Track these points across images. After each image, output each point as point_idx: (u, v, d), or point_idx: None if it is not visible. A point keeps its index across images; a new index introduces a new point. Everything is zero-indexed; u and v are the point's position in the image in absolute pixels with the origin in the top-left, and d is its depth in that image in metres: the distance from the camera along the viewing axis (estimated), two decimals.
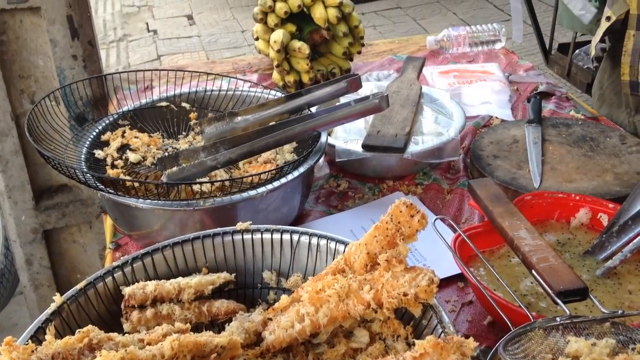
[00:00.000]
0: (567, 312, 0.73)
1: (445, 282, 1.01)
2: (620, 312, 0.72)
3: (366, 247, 0.78)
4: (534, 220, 1.03)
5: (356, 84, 1.16)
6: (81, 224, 1.78)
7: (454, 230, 1.02)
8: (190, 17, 5.24)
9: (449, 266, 1.00)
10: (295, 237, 0.85)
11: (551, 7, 2.81)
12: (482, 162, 1.25)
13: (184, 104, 1.23)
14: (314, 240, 0.85)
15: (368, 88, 1.46)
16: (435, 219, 0.90)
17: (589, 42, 2.68)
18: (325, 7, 1.57)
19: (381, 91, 1.19)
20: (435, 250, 1.03)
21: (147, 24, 5.16)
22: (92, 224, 1.76)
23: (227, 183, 1.00)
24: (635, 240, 0.93)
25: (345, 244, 0.84)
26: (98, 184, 0.92)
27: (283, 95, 1.20)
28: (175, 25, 5.08)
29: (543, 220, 1.04)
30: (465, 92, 1.58)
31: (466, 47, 1.86)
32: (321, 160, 1.27)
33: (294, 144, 1.15)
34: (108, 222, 1.11)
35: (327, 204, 1.21)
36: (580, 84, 2.58)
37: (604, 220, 1.00)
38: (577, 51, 2.63)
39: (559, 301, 0.75)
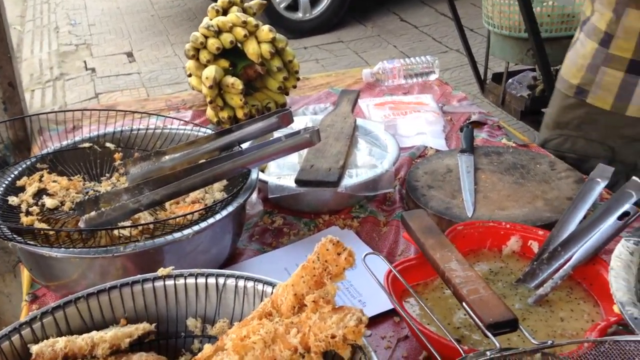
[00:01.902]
0: (497, 345, 0.71)
1: (382, 317, 0.99)
2: (549, 342, 0.71)
3: (293, 288, 0.75)
4: (466, 250, 1.03)
5: (287, 119, 1.14)
6: (5, 273, 1.68)
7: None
8: (130, 55, 5.17)
9: (385, 301, 0.98)
10: (221, 280, 0.81)
11: (485, 37, 2.91)
12: (417, 193, 1.25)
13: (108, 144, 1.19)
14: (241, 283, 0.81)
15: (303, 122, 1.45)
16: (366, 255, 0.88)
17: (522, 71, 2.78)
18: (259, 42, 1.56)
19: (313, 125, 1.17)
20: (371, 285, 1.00)
21: (85, 62, 5.06)
22: (16, 273, 1.67)
23: (151, 226, 0.95)
24: (565, 267, 0.93)
25: (273, 285, 0.80)
26: (8, 234, 0.86)
27: (213, 132, 1.17)
28: (115, 62, 5.00)
29: (476, 250, 1.04)
30: (401, 123, 1.59)
31: (401, 79, 1.89)
32: (254, 197, 1.24)
33: (224, 182, 1.12)
34: (25, 272, 1.05)
35: (261, 242, 1.18)
36: (514, 112, 2.66)
37: (535, 247, 1.01)
38: (510, 80, 2.71)
39: (489, 334, 0.73)
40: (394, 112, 1.64)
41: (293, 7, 5.24)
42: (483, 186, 1.27)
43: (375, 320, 0.98)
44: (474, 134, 1.56)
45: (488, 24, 2.54)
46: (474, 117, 1.66)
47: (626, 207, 0.95)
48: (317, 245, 0.75)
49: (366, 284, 1.03)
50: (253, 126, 1.15)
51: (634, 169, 1.45)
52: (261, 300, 0.79)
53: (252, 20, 1.57)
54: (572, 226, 0.99)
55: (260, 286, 0.81)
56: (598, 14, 1.42)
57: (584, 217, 1.02)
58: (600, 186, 1.05)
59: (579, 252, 0.93)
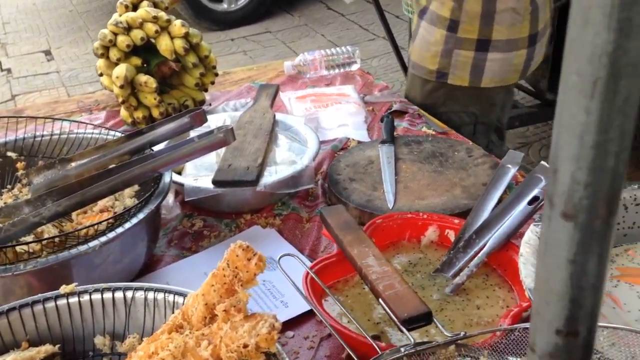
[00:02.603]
0: (412, 340, 0.71)
1: (305, 317, 0.97)
2: (462, 334, 0.72)
3: (204, 297, 0.73)
4: (386, 243, 1.03)
5: (200, 118, 1.11)
6: None
7: (312, 261, 0.99)
8: (48, 53, 4.93)
9: None
10: (129, 294, 0.78)
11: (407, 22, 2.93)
12: (339, 187, 1.24)
13: (9, 154, 1.11)
14: (151, 295, 0.78)
15: (222, 119, 1.41)
16: (281, 257, 0.86)
17: None
18: (172, 38, 1.51)
19: (227, 124, 1.14)
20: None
21: None
22: None
23: (56, 240, 0.90)
24: (479, 254, 0.95)
25: (185, 295, 0.77)
26: None
27: (122, 135, 1.12)
28: (32, 62, 4.76)
29: (395, 242, 1.04)
30: (322, 115, 1.58)
31: (323, 70, 1.87)
32: (171, 200, 1.20)
33: (136, 188, 1.07)
34: None
35: (180, 247, 1.14)
36: None
37: (451, 236, 1.02)
38: None
39: (404, 329, 0.73)
40: (316, 105, 1.62)
41: None
42: (404, 176, 1.28)
43: (298, 320, 0.96)
44: (396, 124, 1.57)
45: (408, 12, 2.56)
46: (395, 107, 1.67)
47: (536, 191, 0.97)
48: (227, 252, 0.72)
49: (289, 284, 1.02)
50: (165, 127, 1.11)
51: (495, 129, 1.75)
52: (173, 312, 0.76)
53: (163, 15, 1.51)
54: (485, 213, 1.01)
55: (171, 297, 0.78)
56: (438, 2, 1.58)
57: (498, 203, 1.04)
58: (511, 172, 1.07)
59: (492, 238, 0.95)
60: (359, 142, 1.47)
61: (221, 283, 0.72)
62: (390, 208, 1.17)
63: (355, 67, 1.91)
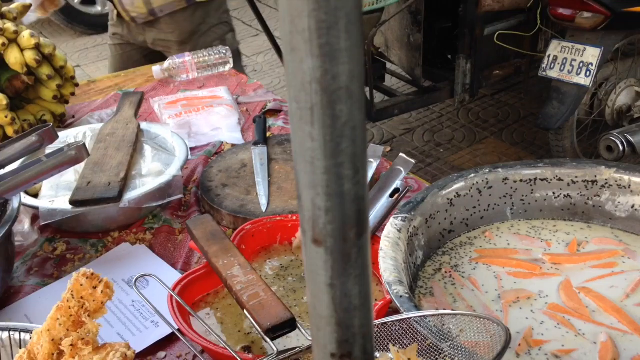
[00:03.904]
0: (275, 349, 0.70)
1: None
2: None
3: (49, 333, 0.68)
4: (258, 248, 1.02)
5: (50, 135, 1.04)
6: None
7: (180, 272, 0.96)
8: None
9: None
10: None
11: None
12: (211, 194, 1.21)
13: None
14: None
15: (82, 132, 1.34)
16: (137, 279, 0.82)
17: None
18: (22, 50, 1.40)
19: (78, 140, 1.08)
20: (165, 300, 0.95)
21: None
22: None
23: None
24: None
25: (31, 332, 0.72)
26: None
27: None
28: None
29: (267, 247, 1.03)
30: (194, 120, 1.54)
31: (194, 72, 1.82)
32: (26, 225, 1.12)
33: None
34: None
35: (41, 275, 1.06)
36: None
37: None
38: None
39: (267, 339, 0.72)
40: (187, 110, 1.58)
41: (90, 0, 4.88)
42: (277, 177, 1.27)
43: (171, 339, 0.93)
44: (271, 123, 1.56)
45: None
46: (269, 105, 1.66)
47: (396, 184, 0.99)
48: (70, 282, 0.68)
49: (163, 300, 0.98)
50: (12, 147, 1.03)
51: None
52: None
53: (10, 26, 1.40)
54: None
55: (16, 335, 0.72)
56: None
57: None
58: (373, 165, 1.09)
59: None
60: (233, 146, 1.45)
61: (67, 315, 0.67)
62: (264, 211, 1.15)
63: (228, 68, 1.88)
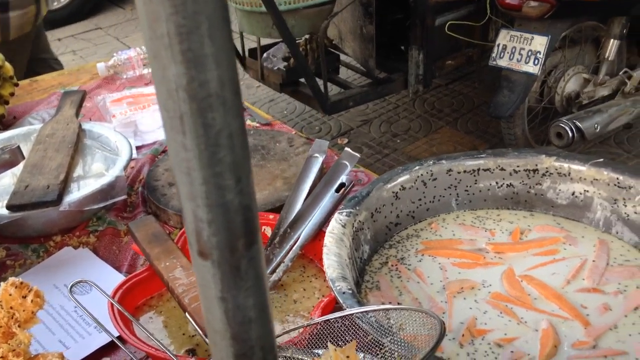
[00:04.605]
0: None
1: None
2: None
3: None
4: None
5: None
6: None
7: (124, 275, 0.93)
8: None
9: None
10: None
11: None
12: (157, 194, 1.19)
13: None
14: None
15: (20, 134, 1.29)
16: (72, 286, 0.80)
17: (275, 44, 2.82)
18: None
19: (12, 143, 1.04)
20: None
21: None
22: None
23: None
24: (294, 248, 0.95)
25: None
26: None
27: None
28: None
29: None
30: (140, 118, 1.50)
31: (141, 68, 1.78)
32: None
33: None
34: None
35: None
36: (274, 85, 2.70)
37: (268, 232, 1.01)
38: (265, 54, 2.74)
39: (207, 341, 0.71)
40: (133, 107, 1.54)
41: None
42: None
43: (115, 344, 0.90)
44: None
45: (230, 1, 2.52)
46: None
47: (342, 178, 0.99)
48: None
49: (104, 305, 0.95)
50: None
51: None
52: None
53: None
54: (298, 205, 1.01)
55: None
56: None
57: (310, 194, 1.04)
58: (319, 161, 1.08)
59: (305, 230, 0.95)
60: None
61: None
62: None
63: None
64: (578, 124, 2.41)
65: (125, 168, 1.17)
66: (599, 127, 2.49)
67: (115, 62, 1.76)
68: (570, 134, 2.40)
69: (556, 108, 2.74)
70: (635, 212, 0.91)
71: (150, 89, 1.66)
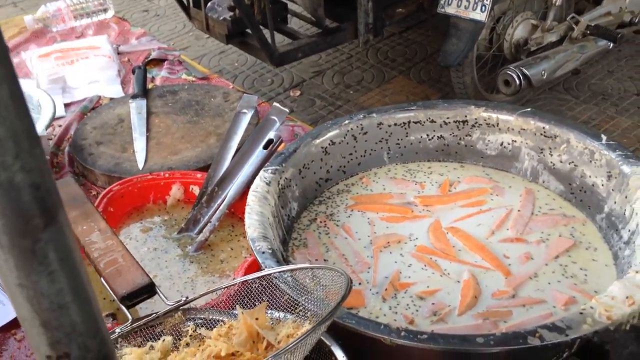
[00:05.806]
0: (129, 317, 0.67)
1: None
2: (184, 299, 0.69)
3: None
4: (130, 209, 0.97)
5: None
6: None
7: None
8: None
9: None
10: None
11: None
12: (84, 153, 1.14)
13: None
14: None
15: None
16: None
17: None
18: None
19: None
20: None
21: None
22: None
23: None
24: (221, 207, 0.93)
25: None
26: None
27: None
28: None
29: (140, 207, 0.98)
30: (69, 73, 1.43)
31: (72, 21, 1.69)
32: None
33: None
34: None
35: None
36: (220, 36, 2.61)
37: (196, 191, 0.99)
38: (210, 4, 2.64)
39: (122, 307, 0.69)
40: (61, 62, 1.46)
41: None
42: (156, 132, 1.21)
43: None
44: (154, 74, 1.48)
45: None
46: (153, 55, 1.57)
47: (270, 134, 0.96)
48: None
49: None
50: None
51: None
52: None
53: None
54: (226, 163, 0.98)
55: None
56: None
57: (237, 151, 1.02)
58: (247, 117, 1.05)
59: (232, 188, 0.93)
60: (112, 99, 1.36)
61: None
62: (141, 169, 1.10)
63: (110, 15, 1.76)
64: (525, 71, 2.42)
65: (47, 127, 1.12)
66: (546, 74, 2.50)
67: (43, 15, 1.66)
68: (517, 82, 2.41)
69: (505, 55, 2.73)
70: (561, 161, 0.91)
71: (81, 42, 1.58)
